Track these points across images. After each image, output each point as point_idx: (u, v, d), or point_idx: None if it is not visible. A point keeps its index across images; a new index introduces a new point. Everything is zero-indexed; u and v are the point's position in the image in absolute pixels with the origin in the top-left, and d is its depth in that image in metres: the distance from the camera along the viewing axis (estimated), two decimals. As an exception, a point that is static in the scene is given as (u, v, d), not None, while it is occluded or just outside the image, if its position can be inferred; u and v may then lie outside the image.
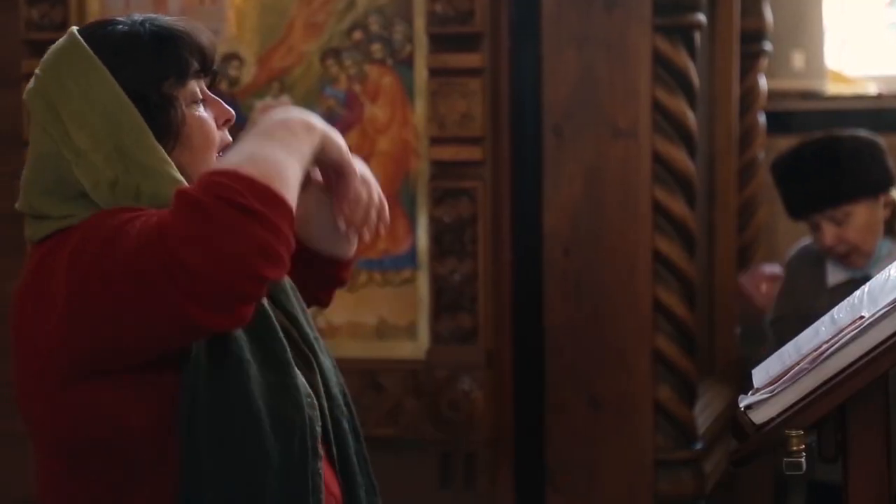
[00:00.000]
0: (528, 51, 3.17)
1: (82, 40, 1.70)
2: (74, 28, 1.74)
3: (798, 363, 1.63)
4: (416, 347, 3.16)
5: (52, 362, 1.65)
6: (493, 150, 3.13)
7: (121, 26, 1.72)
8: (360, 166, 1.81)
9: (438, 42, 3.10)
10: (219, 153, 1.75)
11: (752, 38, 4.24)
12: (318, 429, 1.71)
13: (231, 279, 1.52)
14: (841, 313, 1.70)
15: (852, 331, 1.60)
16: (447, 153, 3.11)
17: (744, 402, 1.65)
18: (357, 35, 3.17)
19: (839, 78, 5.28)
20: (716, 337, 4.08)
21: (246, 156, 1.58)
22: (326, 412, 1.76)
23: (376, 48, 3.15)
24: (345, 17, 3.17)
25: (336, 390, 1.81)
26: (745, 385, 1.75)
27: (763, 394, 1.62)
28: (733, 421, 1.65)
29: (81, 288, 1.59)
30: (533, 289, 3.18)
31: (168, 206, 1.58)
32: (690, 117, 3.17)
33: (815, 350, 1.63)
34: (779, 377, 1.64)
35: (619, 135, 3.15)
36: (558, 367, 3.18)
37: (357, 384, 3.13)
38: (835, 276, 3.22)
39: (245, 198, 1.52)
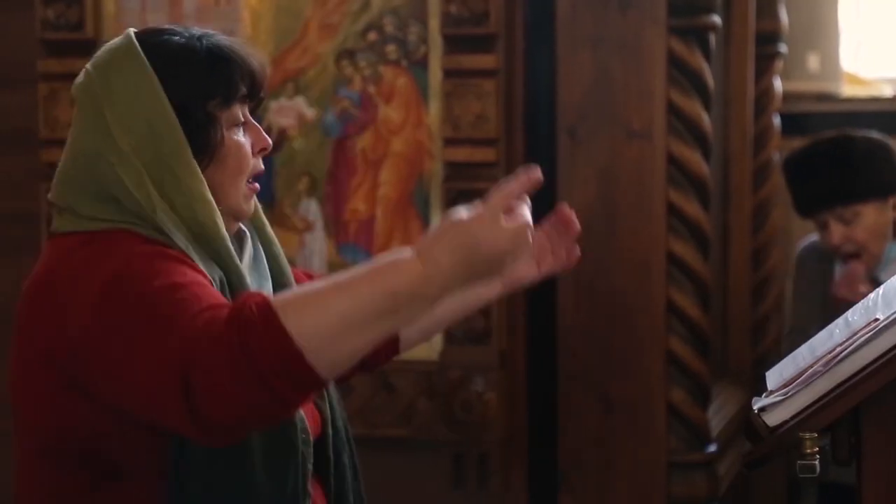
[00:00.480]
0: (542, 52, 3.17)
1: (137, 44, 1.70)
2: (132, 30, 1.74)
3: (812, 366, 1.63)
4: (429, 348, 3.16)
5: (49, 370, 1.64)
6: (507, 151, 3.13)
7: (178, 38, 1.72)
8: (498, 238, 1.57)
9: (453, 43, 3.10)
10: (249, 180, 1.75)
11: (767, 39, 4.23)
12: (310, 466, 1.70)
13: (226, 423, 1.50)
14: (855, 316, 1.70)
15: (866, 333, 1.60)
16: (461, 154, 3.11)
17: (757, 404, 1.65)
18: (372, 36, 3.17)
19: (854, 80, 5.26)
20: (730, 339, 4.07)
21: (315, 307, 1.47)
22: (329, 441, 1.77)
23: (391, 49, 3.15)
24: (359, 18, 3.18)
25: (340, 423, 1.81)
26: (759, 387, 1.75)
27: (777, 396, 1.62)
28: (747, 423, 1.65)
29: (103, 340, 1.57)
30: (546, 290, 3.18)
31: (199, 228, 1.60)
32: (705, 119, 3.17)
33: (829, 352, 1.63)
34: (793, 379, 1.63)
35: (634, 136, 3.15)
36: (571, 369, 3.18)
37: (370, 385, 3.13)
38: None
39: (278, 376, 1.45)
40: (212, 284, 1.63)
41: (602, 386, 3.17)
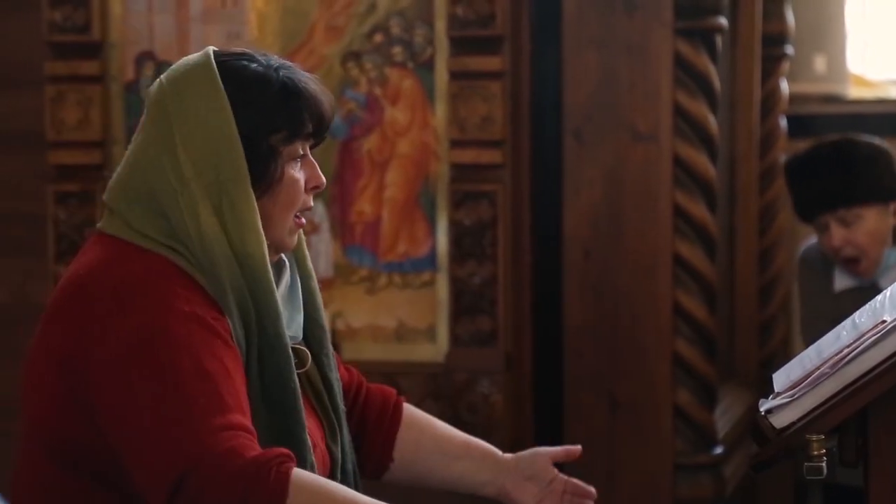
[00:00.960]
0: (548, 54, 3.17)
1: (215, 66, 1.70)
2: (212, 49, 1.74)
3: (819, 367, 1.63)
4: (435, 350, 3.16)
5: (61, 377, 1.66)
6: (513, 153, 3.13)
7: (255, 65, 1.72)
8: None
9: (459, 45, 3.10)
10: (296, 215, 1.76)
11: (774, 41, 4.23)
12: None
13: None
14: (862, 317, 1.70)
15: (874, 335, 1.60)
16: (467, 156, 3.11)
17: (764, 406, 1.64)
18: (378, 38, 3.17)
19: (861, 82, 5.26)
20: (736, 341, 4.06)
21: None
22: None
23: (397, 51, 3.16)
24: (366, 20, 3.18)
25: (349, 466, 1.82)
26: (766, 389, 1.74)
27: (784, 398, 1.62)
28: (754, 425, 1.65)
29: (118, 389, 1.59)
30: (553, 292, 3.18)
31: (246, 258, 1.63)
32: (711, 121, 3.16)
33: (837, 354, 1.63)
34: (800, 381, 1.63)
35: (640, 138, 3.15)
36: (578, 371, 3.17)
37: (376, 386, 3.14)
38: (841, 282, 3.20)
39: None
40: (239, 360, 1.64)
41: (608, 387, 3.16)
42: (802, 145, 3.79)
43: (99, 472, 1.66)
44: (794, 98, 4.50)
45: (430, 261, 3.17)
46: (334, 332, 3.09)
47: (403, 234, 3.17)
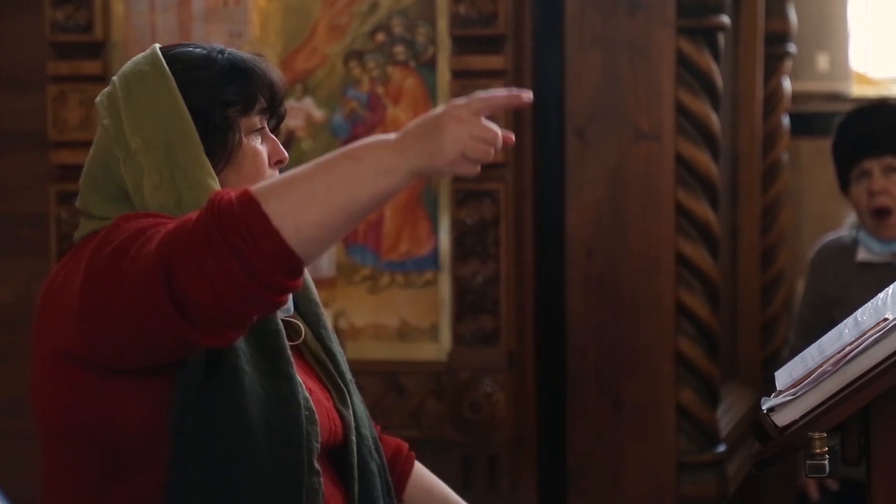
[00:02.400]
0: (550, 53, 3.17)
1: (160, 54, 1.76)
2: (156, 44, 1.79)
3: (821, 365, 1.63)
4: (438, 349, 3.16)
5: (57, 354, 1.69)
6: (515, 151, 3.13)
7: (200, 50, 1.78)
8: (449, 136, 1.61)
9: (461, 44, 3.10)
10: None
11: (777, 39, 4.22)
12: (316, 444, 1.70)
13: (205, 301, 1.53)
14: (864, 315, 1.70)
15: (876, 333, 1.60)
16: (470, 155, 3.11)
17: (767, 404, 1.64)
18: (380, 37, 3.17)
19: (864, 80, 5.25)
20: (739, 339, 4.06)
21: (283, 186, 1.55)
22: (353, 447, 1.78)
23: (399, 50, 3.16)
24: (368, 19, 3.18)
25: (366, 432, 1.82)
26: (768, 387, 1.74)
27: (786, 396, 1.62)
28: (756, 423, 1.65)
29: (95, 285, 1.62)
30: (555, 291, 3.18)
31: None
32: (714, 119, 3.16)
33: (839, 352, 1.62)
34: (802, 379, 1.63)
35: (642, 137, 3.15)
36: (581, 370, 3.17)
37: (379, 386, 3.14)
38: (863, 254, 3.24)
39: (244, 241, 1.51)
40: None
41: (611, 386, 3.16)
42: (805, 144, 3.80)
43: (120, 461, 1.67)
44: (796, 96, 4.50)
45: (433, 260, 3.17)
46: (337, 332, 3.09)
47: (406, 233, 3.17)
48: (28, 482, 3.31)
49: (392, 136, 1.57)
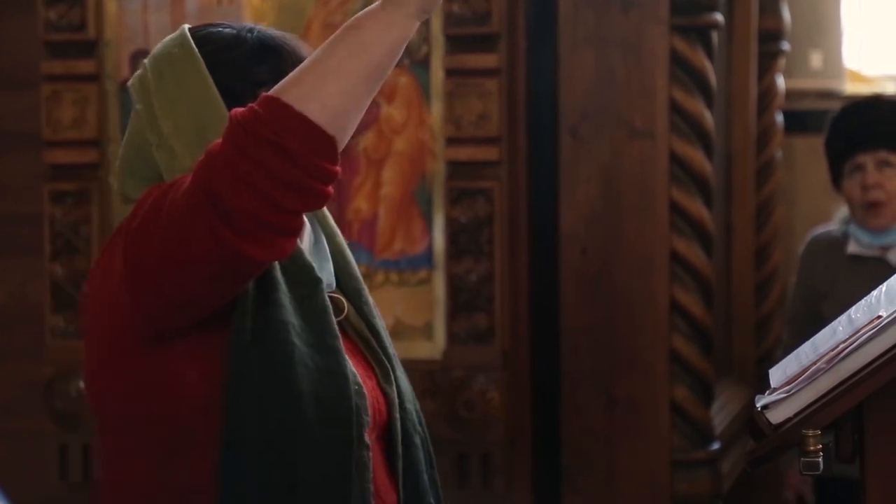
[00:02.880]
0: (544, 51, 3.17)
1: (189, 36, 1.76)
2: (185, 25, 1.80)
3: (815, 363, 1.63)
4: (432, 347, 3.16)
5: (111, 334, 1.70)
6: (509, 150, 3.13)
7: (228, 29, 1.78)
8: None
9: (455, 42, 3.10)
10: None
11: (770, 37, 4.23)
12: (366, 418, 1.71)
13: (255, 209, 1.55)
14: (858, 313, 1.70)
15: (870, 330, 1.60)
16: (463, 153, 3.11)
17: (761, 401, 1.64)
18: (374, 35, 3.17)
19: (857, 77, 5.26)
20: (733, 337, 4.07)
21: (296, 76, 1.58)
22: (398, 423, 1.78)
23: (393, 48, 3.15)
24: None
25: (410, 406, 1.82)
26: (762, 385, 1.75)
27: (780, 393, 1.62)
28: (750, 421, 1.65)
29: (137, 242, 1.63)
30: (550, 289, 3.18)
31: None
32: (707, 117, 3.16)
33: (833, 350, 1.63)
34: (796, 377, 1.63)
35: (636, 135, 3.15)
36: (575, 368, 3.18)
37: (374, 384, 3.14)
38: (853, 247, 3.24)
39: (276, 133, 1.54)
40: None
41: (605, 384, 3.17)
42: (799, 142, 3.81)
43: (177, 440, 1.68)
44: (790, 94, 4.50)
45: (427, 258, 3.17)
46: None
47: (400, 231, 3.17)
48: (28, 482, 3.32)
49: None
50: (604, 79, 3.15)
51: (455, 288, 3.11)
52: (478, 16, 3.08)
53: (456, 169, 3.12)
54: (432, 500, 1.81)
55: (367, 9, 1.61)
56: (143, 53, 3.23)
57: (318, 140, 1.55)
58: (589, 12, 3.15)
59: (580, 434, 3.18)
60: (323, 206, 1.66)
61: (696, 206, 3.16)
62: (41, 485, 3.28)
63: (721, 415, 3.46)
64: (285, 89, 1.56)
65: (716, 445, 3.23)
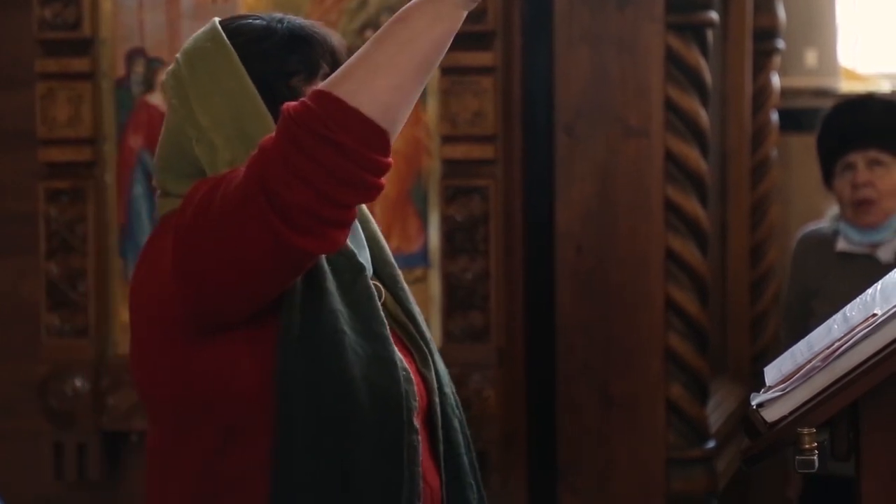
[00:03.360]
0: (540, 49, 3.17)
1: (220, 28, 1.77)
2: (216, 18, 1.81)
3: (810, 361, 1.63)
4: (428, 346, 3.16)
5: (161, 325, 1.70)
6: (505, 148, 3.13)
7: (259, 21, 1.79)
8: None
9: (450, 40, 3.10)
10: None
11: (765, 35, 4.23)
12: (415, 403, 1.73)
13: (309, 204, 1.57)
14: (853, 311, 1.70)
15: (865, 328, 1.60)
16: (459, 151, 3.11)
17: (756, 400, 1.65)
18: (369, 34, 3.16)
19: (852, 75, 5.27)
20: (728, 335, 4.07)
21: (346, 70, 1.59)
22: (437, 408, 1.79)
23: (388, 47, 3.15)
24: (357, 16, 3.17)
25: (448, 390, 1.84)
26: (758, 383, 1.75)
27: (775, 392, 1.62)
28: (745, 419, 1.65)
29: (188, 236, 1.64)
30: (545, 287, 3.18)
31: None
32: (703, 115, 3.17)
33: (828, 348, 1.63)
34: (791, 375, 1.63)
35: (632, 133, 3.15)
36: (570, 366, 3.18)
37: (369, 382, 3.14)
38: (843, 244, 3.25)
39: (329, 128, 1.55)
40: None
41: (601, 382, 3.17)
42: (794, 140, 3.81)
43: (225, 428, 1.69)
44: (785, 92, 4.51)
45: (423, 256, 3.17)
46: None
47: (395, 229, 3.17)
48: (23, 481, 3.32)
49: None
50: (599, 77, 3.15)
51: (451, 286, 3.11)
52: (473, 14, 3.03)
53: (451, 167, 3.12)
54: (472, 482, 1.83)
55: (413, 0, 1.62)
56: (138, 51, 3.23)
57: (370, 134, 1.57)
58: (584, 10, 3.15)
59: (576, 432, 3.18)
60: (375, 199, 1.67)
61: (692, 205, 3.16)
62: (36, 483, 3.28)
63: (716, 413, 3.46)
64: (336, 84, 1.58)
65: (711, 443, 3.23)
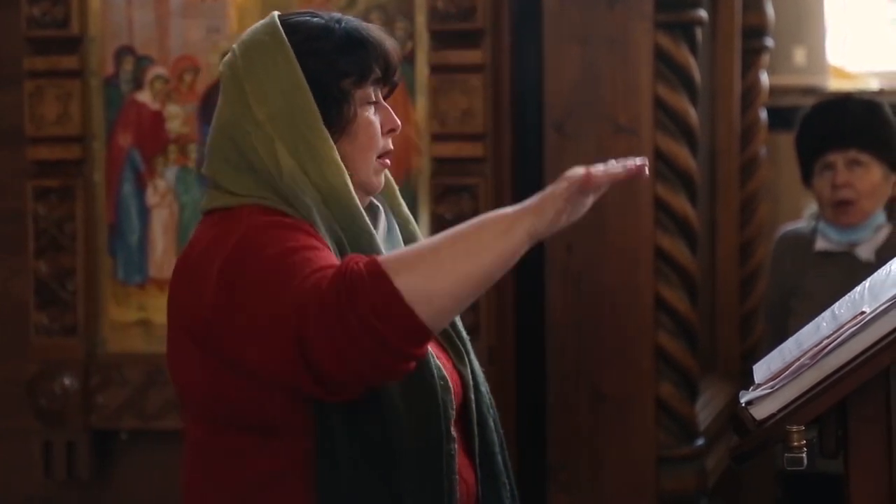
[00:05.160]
0: (529, 47, 3.17)
1: (279, 24, 1.80)
2: (276, 13, 1.83)
3: (799, 359, 1.63)
4: (417, 344, 3.15)
5: (195, 341, 1.73)
6: (494, 146, 3.13)
7: (318, 19, 1.82)
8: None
9: (440, 39, 3.10)
10: (378, 157, 1.83)
11: (754, 33, 4.23)
12: (452, 412, 1.75)
13: (340, 376, 1.60)
14: (842, 309, 1.70)
15: (853, 326, 1.60)
16: (448, 150, 3.11)
17: (745, 397, 1.65)
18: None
19: (841, 74, 5.27)
20: (717, 333, 4.07)
21: (413, 259, 1.60)
22: (473, 405, 1.81)
23: (378, 45, 3.15)
24: (346, 13, 3.16)
25: (483, 388, 1.85)
26: (747, 381, 1.75)
27: (764, 389, 1.63)
28: (734, 417, 1.65)
29: (228, 313, 1.67)
30: (535, 286, 3.18)
31: (329, 190, 1.70)
32: (692, 114, 3.17)
33: (816, 346, 1.63)
34: (780, 373, 1.64)
35: (621, 131, 3.15)
36: (560, 364, 3.18)
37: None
38: (821, 243, 3.25)
39: (378, 317, 1.57)
40: (328, 248, 1.71)
41: (591, 381, 3.17)
42: (783, 138, 3.81)
43: (260, 428, 1.71)
44: (774, 90, 4.51)
45: (412, 255, 3.16)
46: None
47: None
48: (13, 480, 3.31)
49: (510, 208, 1.66)
50: (589, 75, 3.15)
51: (440, 284, 3.10)
52: (462, 12, 3.08)
53: (441, 165, 3.12)
54: (506, 480, 1.86)
55: (503, 210, 1.65)
56: (127, 49, 3.22)
57: (414, 332, 1.59)
58: (574, 9, 3.15)
59: (565, 430, 3.19)
60: (399, 379, 1.68)
61: (681, 203, 3.16)
62: (26, 482, 3.27)
63: (706, 411, 3.47)
64: (399, 270, 1.58)
65: (700, 441, 3.24)
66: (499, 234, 1.62)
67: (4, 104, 3.31)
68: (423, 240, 1.69)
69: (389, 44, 1.83)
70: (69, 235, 3.20)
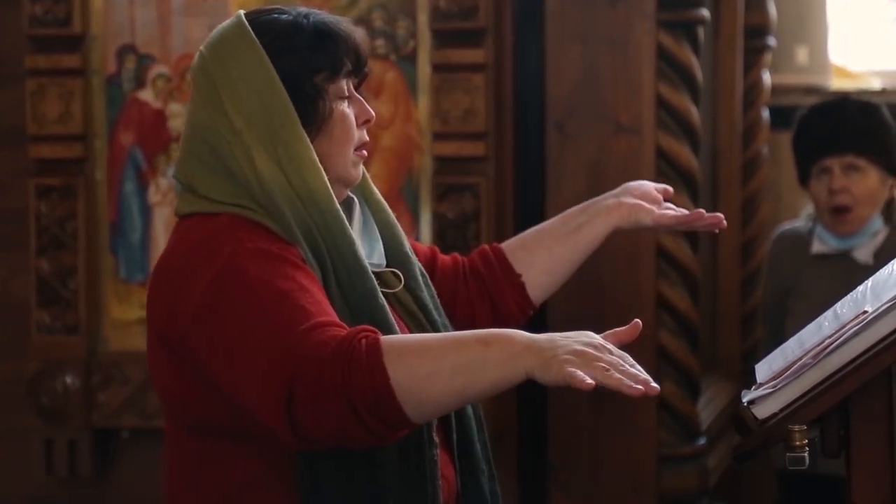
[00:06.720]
0: (531, 46, 3.17)
1: (247, 24, 1.78)
2: (241, 11, 1.82)
3: (801, 358, 1.63)
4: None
5: (167, 351, 1.73)
6: (496, 145, 3.13)
7: (285, 16, 1.80)
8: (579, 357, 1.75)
9: (442, 38, 3.10)
10: (355, 150, 1.83)
11: (756, 33, 4.23)
12: (434, 420, 1.75)
13: (317, 436, 1.61)
14: (844, 308, 1.70)
15: (855, 326, 1.60)
16: (450, 149, 3.11)
17: (747, 397, 1.65)
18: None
19: (843, 73, 5.27)
20: (719, 332, 4.07)
21: (414, 357, 1.59)
22: None
23: (379, 44, 3.15)
24: (348, 12, 3.17)
25: None
26: (749, 380, 1.75)
27: (766, 389, 1.62)
28: (736, 416, 1.65)
29: (209, 333, 1.67)
30: (536, 284, 3.17)
31: (308, 194, 1.70)
32: (694, 113, 3.17)
33: (818, 345, 1.63)
34: (782, 372, 1.64)
35: (623, 130, 3.15)
36: (561, 363, 3.17)
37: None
38: (818, 246, 3.25)
39: (370, 412, 1.58)
40: (316, 281, 1.71)
41: (592, 380, 3.16)
42: (785, 137, 3.80)
43: (237, 436, 1.72)
44: (776, 89, 4.51)
45: (414, 254, 3.17)
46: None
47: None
48: (14, 478, 3.31)
49: (526, 334, 1.63)
50: (590, 74, 3.15)
51: (442, 283, 3.10)
52: (464, 11, 3.08)
53: (443, 164, 3.12)
54: (485, 467, 1.85)
55: (515, 333, 1.62)
56: (129, 48, 3.22)
57: (399, 425, 1.60)
58: (575, 8, 3.15)
59: (566, 429, 3.18)
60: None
61: (683, 202, 3.16)
62: (27, 480, 3.27)
63: (707, 410, 3.46)
64: (398, 368, 1.58)
65: (702, 441, 3.24)
66: (502, 361, 1.59)
67: (6, 103, 3.31)
68: (431, 334, 1.70)
69: (359, 35, 1.83)
70: (71, 234, 3.20)
